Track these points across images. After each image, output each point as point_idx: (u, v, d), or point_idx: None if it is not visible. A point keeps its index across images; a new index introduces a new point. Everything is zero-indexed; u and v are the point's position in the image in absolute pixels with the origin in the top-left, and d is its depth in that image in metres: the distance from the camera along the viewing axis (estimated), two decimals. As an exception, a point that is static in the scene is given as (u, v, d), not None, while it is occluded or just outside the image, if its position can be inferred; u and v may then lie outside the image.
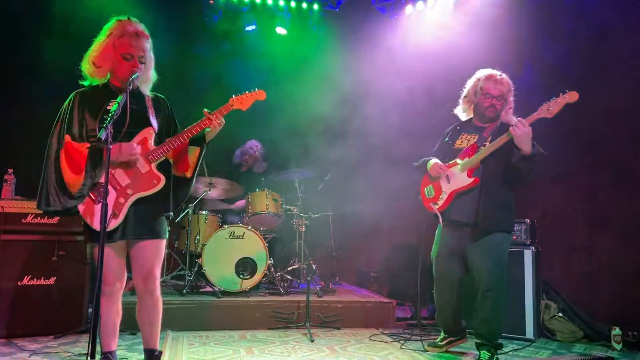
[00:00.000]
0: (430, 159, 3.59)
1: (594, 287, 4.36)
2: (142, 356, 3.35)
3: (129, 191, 2.59)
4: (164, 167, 2.71)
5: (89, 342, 2.16)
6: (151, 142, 2.66)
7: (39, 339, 3.67)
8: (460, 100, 3.61)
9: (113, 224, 2.52)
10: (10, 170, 3.95)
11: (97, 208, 2.51)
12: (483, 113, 3.45)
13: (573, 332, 4.14)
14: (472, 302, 3.47)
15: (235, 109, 2.81)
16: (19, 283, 3.73)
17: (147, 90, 2.76)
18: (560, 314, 4.21)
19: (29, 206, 3.82)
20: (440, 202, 3.46)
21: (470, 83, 3.53)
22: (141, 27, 2.67)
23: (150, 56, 2.69)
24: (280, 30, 6.51)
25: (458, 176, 3.40)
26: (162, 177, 2.64)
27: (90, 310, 3.85)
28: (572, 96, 3.11)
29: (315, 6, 6.62)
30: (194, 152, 2.77)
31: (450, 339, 3.72)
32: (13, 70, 5.12)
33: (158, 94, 2.85)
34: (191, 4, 6.30)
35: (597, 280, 4.34)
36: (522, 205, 4.63)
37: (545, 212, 4.70)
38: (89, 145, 2.53)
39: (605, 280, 4.31)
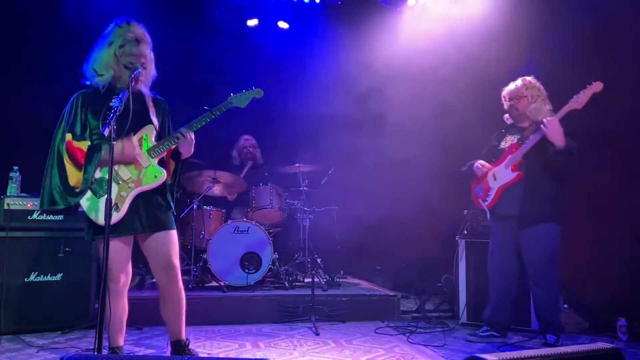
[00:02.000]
0: (474, 161, 3.83)
1: (599, 278, 4.34)
2: (149, 351, 3.38)
3: (131, 185, 2.63)
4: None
5: (96, 337, 2.18)
6: (152, 139, 2.71)
7: (46, 335, 3.70)
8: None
9: (115, 218, 2.56)
10: (16, 168, 3.97)
11: (101, 203, 2.55)
12: (510, 115, 3.75)
13: (578, 323, 4.13)
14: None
15: (233, 106, 2.85)
16: (25, 279, 3.75)
17: (147, 89, 2.80)
18: (566, 306, 4.20)
19: (34, 203, 3.84)
20: (489, 199, 3.71)
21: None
22: (140, 30, 2.70)
23: (151, 57, 2.73)
24: (282, 25, 6.48)
25: (503, 173, 3.63)
26: (164, 172, 2.70)
27: (97, 305, 3.87)
28: (597, 86, 3.39)
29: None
30: (172, 164, 2.85)
31: (492, 332, 3.79)
32: (18, 67, 5.13)
33: (158, 96, 2.89)
34: (193, -1, 6.29)
35: (603, 271, 4.33)
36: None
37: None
38: (89, 143, 2.59)
39: (611, 272, 4.29)
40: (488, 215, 3.80)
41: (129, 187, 2.62)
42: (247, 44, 6.27)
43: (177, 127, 2.80)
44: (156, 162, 2.69)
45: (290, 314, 4.36)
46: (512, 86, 3.72)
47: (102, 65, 2.63)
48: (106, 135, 2.25)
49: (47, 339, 3.62)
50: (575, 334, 4.07)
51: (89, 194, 2.60)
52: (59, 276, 3.85)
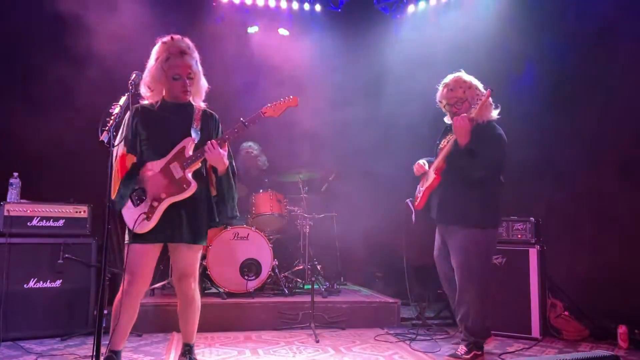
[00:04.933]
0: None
1: (600, 285, 4.33)
2: (148, 358, 3.39)
3: (163, 195, 2.72)
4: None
5: (94, 344, 2.18)
6: (189, 152, 2.78)
7: (45, 342, 3.68)
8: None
9: (146, 227, 2.68)
10: (16, 174, 3.97)
11: (135, 211, 2.69)
12: (452, 119, 3.49)
13: (579, 331, 4.11)
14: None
15: (267, 117, 2.88)
16: (25, 286, 3.75)
17: (199, 101, 2.91)
18: (566, 313, 4.19)
19: (34, 209, 3.85)
20: (417, 201, 3.62)
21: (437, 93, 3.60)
22: (184, 44, 2.80)
23: (198, 69, 2.84)
24: (283, 32, 6.51)
25: (429, 175, 3.53)
26: (194, 183, 2.75)
27: (96, 312, 3.86)
28: (488, 93, 3.26)
29: (317, 7, 6.62)
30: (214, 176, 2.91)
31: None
32: (19, 74, 5.15)
33: (211, 111, 2.96)
34: (194, 6, 6.31)
35: (603, 278, 4.31)
36: (526, 204, 4.64)
37: (550, 210, 4.68)
38: (134, 160, 2.74)
39: (612, 279, 4.28)
40: (413, 217, 3.66)
41: (160, 198, 2.72)
42: (248, 50, 6.29)
43: None
44: (189, 174, 2.76)
45: (289, 321, 4.35)
46: (452, 92, 3.47)
47: (152, 80, 2.76)
48: (105, 141, 2.26)
49: (46, 345, 3.61)
50: (576, 341, 4.06)
51: (129, 202, 2.73)
52: (58, 282, 3.84)
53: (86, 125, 2.81)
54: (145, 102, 2.85)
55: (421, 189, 3.58)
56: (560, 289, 4.36)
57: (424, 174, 3.62)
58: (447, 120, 3.64)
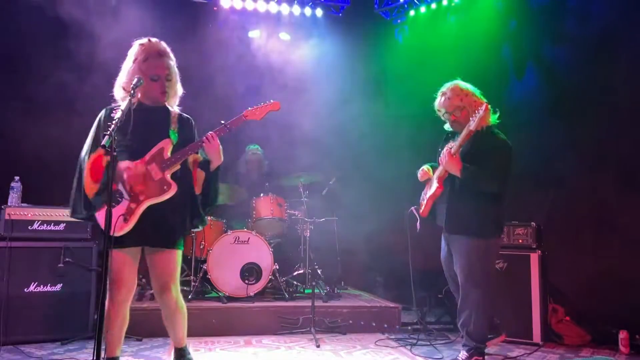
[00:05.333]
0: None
1: (601, 290, 4.33)
2: (148, 363, 3.38)
3: (141, 197, 2.66)
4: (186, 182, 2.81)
5: (94, 348, 2.17)
6: (168, 153, 2.74)
7: (45, 346, 3.68)
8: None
9: (124, 228, 2.60)
10: (17, 178, 3.98)
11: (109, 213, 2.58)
12: (452, 127, 3.54)
13: (580, 336, 4.11)
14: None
15: (249, 119, 2.88)
16: (25, 290, 3.74)
17: (174, 104, 2.88)
18: (568, 318, 4.18)
19: (35, 213, 3.85)
20: (422, 207, 3.60)
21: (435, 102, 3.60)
22: (162, 46, 2.79)
23: (175, 71, 2.81)
24: (284, 36, 6.53)
25: (433, 183, 3.53)
26: (174, 185, 2.70)
27: (96, 316, 3.86)
28: (482, 109, 3.21)
29: (319, 12, 6.64)
30: (201, 174, 2.86)
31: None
32: (20, 78, 5.17)
33: (185, 114, 2.93)
34: (195, 11, 6.33)
35: (604, 283, 4.31)
36: (527, 210, 4.63)
37: (551, 215, 4.68)
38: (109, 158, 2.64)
39: (613, 284, 4.28)
40: (418, 224, 3.70)
41: (139, 199, 2.65)
42: (249, 55, 6.30)
43: None
44: (168, 175, 2.72)
45: (290, 326, 4.34)
46: (447, 101, 3.47)
47: (129, 81, 2.70)
48: (107, 146, 2.26)
49: (46, 349, 3.60)
50: (577, 346, 4.05)
51: (103, 205, 2.63)
52: (58, 286, 3.84)
53: (88, 129, 2.80)
54: (119, 104, 2.77)
55: (425, 197, 3.59)
56: (561, 294, 4.35)
57: (429, 179, 3.62)
58: (447, 127, 3.64)
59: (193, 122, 2.94)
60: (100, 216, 2.63)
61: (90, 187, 2.62)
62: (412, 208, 3.74)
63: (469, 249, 3.36)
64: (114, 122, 2.34)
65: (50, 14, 4.91)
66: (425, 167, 3.65)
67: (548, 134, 4.90)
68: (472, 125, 3.23)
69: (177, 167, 2.75)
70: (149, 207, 2.66)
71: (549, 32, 5.03)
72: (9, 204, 3.88)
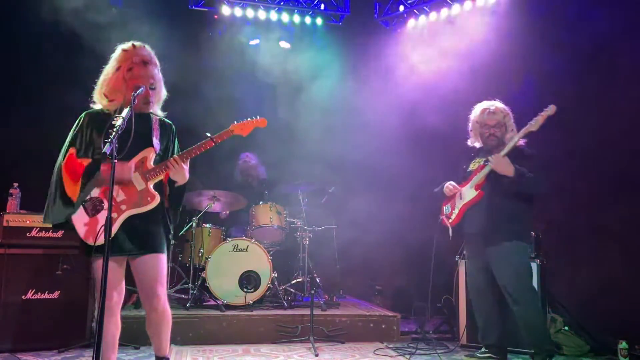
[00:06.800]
0: (446, 183, 3.89)
1: (600, 300, 4.32)
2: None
3: (123, 207, 2.61)
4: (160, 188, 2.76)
5: (93, 356, 2.16)
6: (150, 162, 2.70)
7: (42, 354, 3.66)
8: (470, 132, 3.90)
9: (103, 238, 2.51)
10: (16, 184, 3.97)
11: (91, 221, 2.56)
12: (486, 142, 3.75)
13: (579, 346, 4.09)
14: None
15: (235, 134, 2.85)
16: (23, 297, 3.73)
17: (157, 109, 2.83)
18: (566, 328, 4.17)
19: (33, 220, 3.84)
20: (453, 217, 3.75)
21: (471, 117, 3.84)
22: (146, 52, 2.72)
23: (159, 78, 2.76)
24: (284, 45, 6.56)
25: (468, 192, 3.71)
26: (157, 196, 2.67)
27: (94, 324, 3.84)
28: (552, 110, 3.49)
29: (319, 20, 6.68)
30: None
31: (489, 355, 3.70)
32: (20, 85, 5.18)
33: (166, 120, 2.90)
34: (196, 19, 6.36)
35: (603, 293, 4.30)
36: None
37: (550, 225, 4.68)
38: (90, 160, 2.60)
39: (612, 294, 4.27)
40: (450, 232, 3.79)
41: (120, 209, 2.61)
42: (249, 63, 6.32)
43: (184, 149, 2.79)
44: (151, 185, 2.67)
45: (288, 334, 4.32)
46: (492, 115, 3.67)
47: (111, 89, 2.66)
48: (108, 153, 2.25)
49: (43, 357, 3.58)
50: (576, 356, 4.03)
51: (81, 211, 2.58)
52: (56, 294, 3.82)
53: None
54: (98, 107, 2.73)
55: (456, 206, 3.75)
56: (560, 304, 4.35)
57: (455, 194, 3.79)
58: (472, 143, 3.86)
59: (174, 128, 2.90)
60: (77, 221, 2.58)
61: (72, 190, 2.57)
62: (442, 216, 3.86)
63: (519, 253, 3.50)
64: (114, 129, 2.32)
65: (50, 22, 4.93)
66: (450, 182, 3.83)
67: (546, 143, 4.91)
68: (534, 126, 3.46)
69: (161, 177, 2.71)
70: (130, 216, 2.62)
71: (548, 42, 5.05)
72: (7, 210, 3.87)
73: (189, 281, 4.85)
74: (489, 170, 3.55)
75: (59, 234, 3.90)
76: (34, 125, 4.97)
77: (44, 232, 3.86)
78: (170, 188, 2.81)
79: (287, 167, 5.91)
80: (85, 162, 2.60)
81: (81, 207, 2.57)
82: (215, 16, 6.40)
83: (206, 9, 6.37)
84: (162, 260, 2.73)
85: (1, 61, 5.05)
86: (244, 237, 4.92)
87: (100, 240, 2.44)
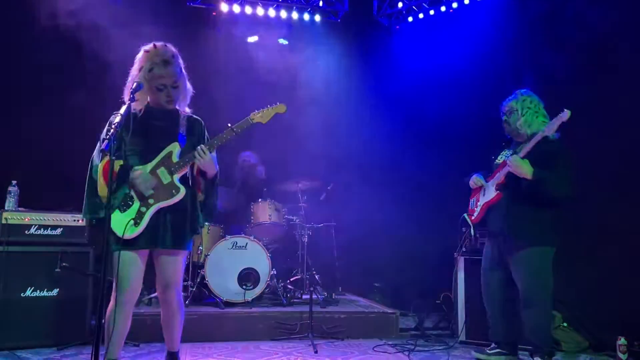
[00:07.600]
0: (474, 174, 3.83)
1: (599, 296, 4.33)
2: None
3: (151, 200, 2.70)
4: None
5: (92, 354, 2.16)
6: (176, 156, 2.77)
7: (41, 351, 3.65)
8: None
9: (134, 233, 2.65)
10: (14, 182, 3.96)
11: (123, 217, 2.66)
12: (505, 130, 3.68)
13: (578, 342, 4.11)
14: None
15: (255, 122, 2.89)
16: (22, 294, 3.72)
17: (184, 106, 2.90)
18: (565, 324, 4.18)
19: (32, 217, 3.83)
20: (476, 214, 3.70)
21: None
22: (167, 52, 2.76)
23: (183, 75, 2.81)
24: (282, 41, 6.55)
25: (489, 190, 3.63)
26: (182, 189, 2.75)
27: (93, 322, 3.84)
28: (565, 115, 3.35)
29: (317, 17, 6.66)
30: (202, 181, 2.90)
31: (499, 350, 3.70)
32: (18, 83, 5.16)
33: (194, 116, 2.94)
34: (194, 15, 6.35)
35: (603, 289, 4.31)
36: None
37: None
38: (122, 163, 2.69)
39: (611, 290, 4.28)
40: (471, 229, 3.81)
41: (148, 203, 2.69)
42: (247, 60, 6.31)
43: None
44: (177, 178, 2.74)
45: (288, 331, 4.32)
46: (504, 106, 3.70)
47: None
48: (107, 150, 2.26)
49: (42, 355, 3.58)
50: (575, 353, 4.04)
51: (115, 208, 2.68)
52: (55, 291, 3.82)
53: (86, 134, 2.81)
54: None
55: (479, 203, 3.68)
56: (559, 300, 4.34)
57: (479, 188, 3.73)
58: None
59: (203, 123, 2.96)
60: (114, 217, 2.66)
61: (104, 190, 2.64)
62: (465, 215, 3.82)
63: (539, 258, 3.43)
64: (113, 126, 2.34)
65: (49, 20, 4.91)
66: (476, 174, 3.77)
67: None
68: (547, 130, 3.35)
69: (186, 170, 2.79)
70: (159, 210, 2.70)
71: (547, 40, 5.05)
72: (6, 208, 3.86)
73: (188, 278, 4.84)
74: (508, 170, 3.46)
75: (58, 231, 3.90)
76: (33, 122, 4.95)
77: (42, 229, 3.86)
78: (204, 180, 2.88)
79: (285, 164, 5.91)
80: (116, 165, 2.64)
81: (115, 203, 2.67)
82: (214, 13, 6.38)
83: (204, 6, 6.35)
84: (184, 257, 2.86)
85: (1, 61, 5.03)
86: (243, 235, 4.92)
87: (127, 235, 2.60)
